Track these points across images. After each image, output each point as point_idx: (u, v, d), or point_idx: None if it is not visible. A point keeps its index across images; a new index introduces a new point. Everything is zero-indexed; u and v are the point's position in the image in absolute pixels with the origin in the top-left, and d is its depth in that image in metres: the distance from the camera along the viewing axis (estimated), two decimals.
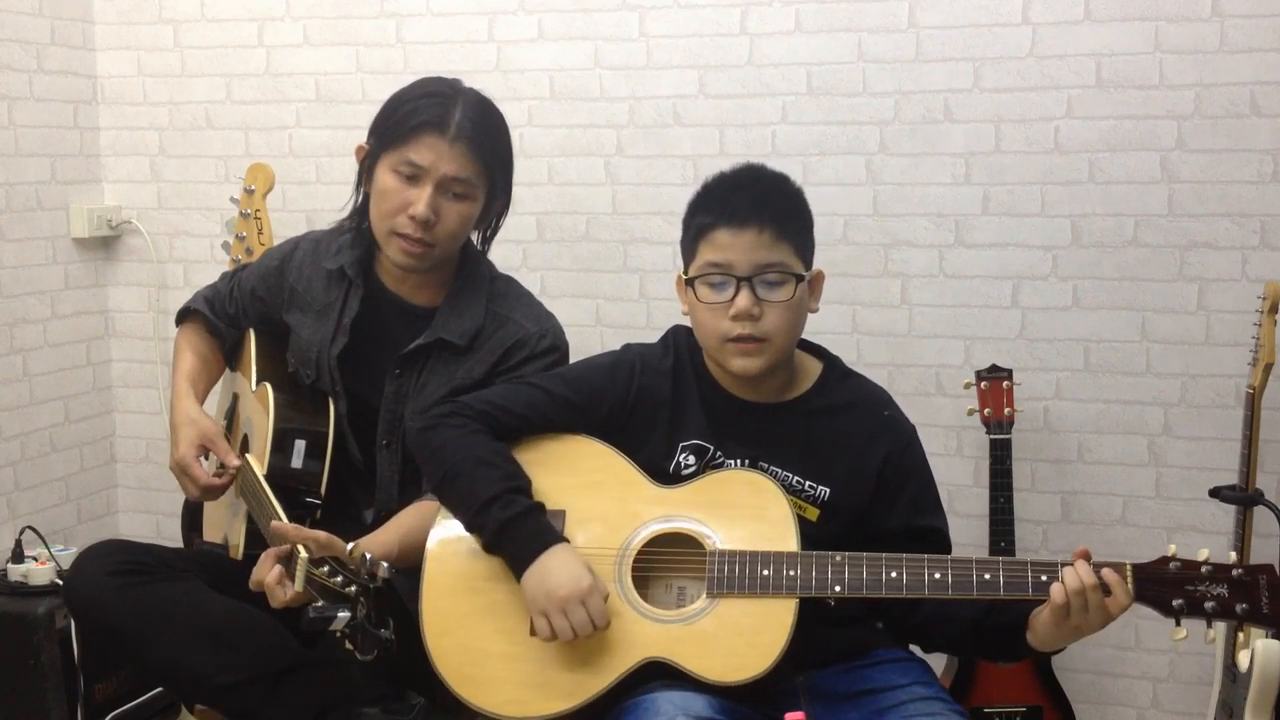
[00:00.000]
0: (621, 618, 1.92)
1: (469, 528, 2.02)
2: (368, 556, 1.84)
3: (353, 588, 1.81)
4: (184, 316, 2.62)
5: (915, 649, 2.12)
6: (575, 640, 1.89)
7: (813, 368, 2.15)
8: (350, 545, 1.98)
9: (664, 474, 2.06)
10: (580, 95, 3.24)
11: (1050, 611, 1.82)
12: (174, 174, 3.57)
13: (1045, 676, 2.87)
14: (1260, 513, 2.67)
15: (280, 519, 2.05)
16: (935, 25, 2.99)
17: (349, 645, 1.81)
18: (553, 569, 1.90)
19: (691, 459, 2.06)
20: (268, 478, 2.22)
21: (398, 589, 1.99)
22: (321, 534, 1.94)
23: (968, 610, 1.94)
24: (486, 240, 2.45)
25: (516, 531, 1.95)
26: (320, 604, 1.82)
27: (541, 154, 3.26)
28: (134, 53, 3.56)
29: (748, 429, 2.08)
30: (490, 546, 1.98)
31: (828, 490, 2.04)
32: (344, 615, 1.78)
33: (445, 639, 1.96)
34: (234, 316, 2.57)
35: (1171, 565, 1.81)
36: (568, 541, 1.96)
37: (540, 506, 2.00)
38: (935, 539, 2.08)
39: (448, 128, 2.24)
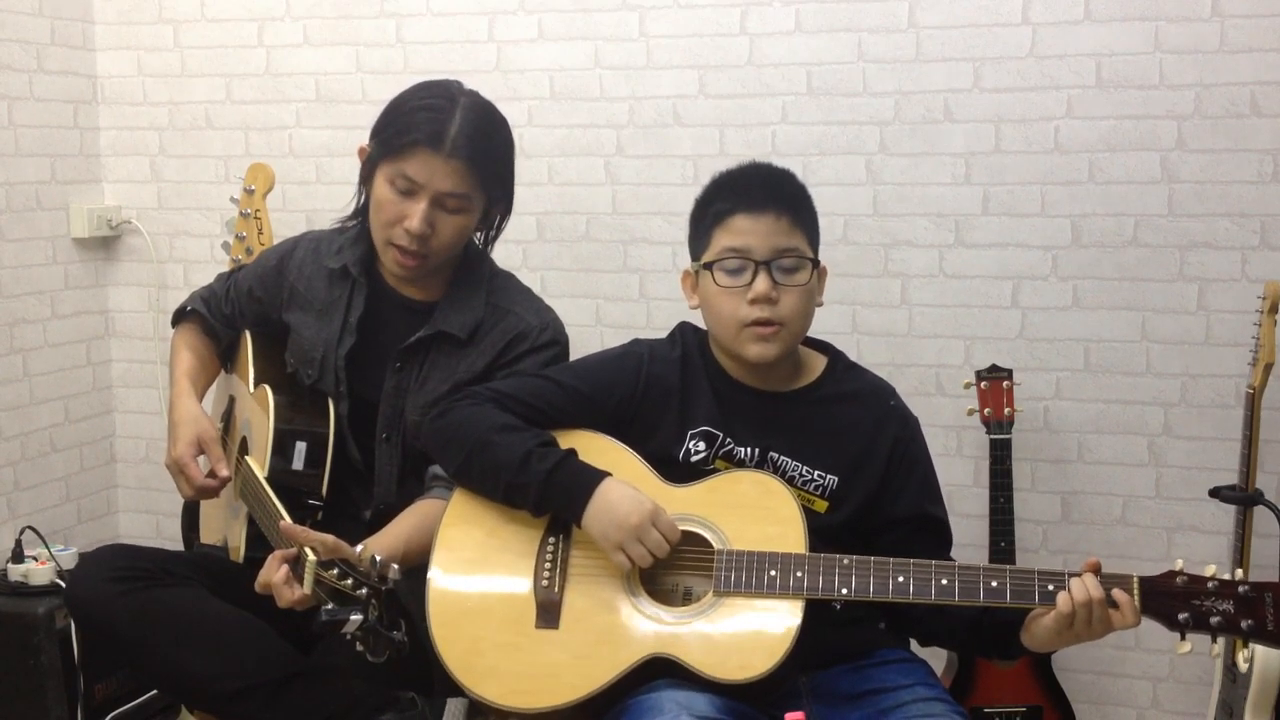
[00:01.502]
0: (627, 614, 1.93)
1: (509, 492, 2.02)
2: (377, 558, 1.83)
3: (363, 590, 1.80)
4: (180, 317, 2.61)
5: (916, 649, 2.13)
6: (584, 630, 1.90)
7: (818, 361, 2.17)
8: (359, 547, 1.98)
9: (674, 461, 2.06)
10: (580, 95, 3.24)
11: (1054, 619, 1.82)
12: (174, 174, 3.57)
13: (1045, 676, 2.87)
14: (1260, 513, 2.68)
15: (286, 519, 2.05)
16: (935, 25, 3.00)
17: (360, 647, 1.81)
18: (613, 502, 1.93)
19: (701, 445, 2.07)
20: (268, 479, 2.22)
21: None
22: (329, 537, 1.94)
23: (965, 609, 1.94)
24: (489, 242, 2.45)
25: (563, 478, 1.97)
26: (331, 606, 1.82)
27: (541, 154, 3.26)
28: (134, 53, 3.56)
29: (757, 416, 2.09)
30: (540, 502, 1.99)
31: (836, 479, 2.05)
32: (357, 618, 1.78)
33: (450, 628, 1.96)
34: (230, 317, 2.56)
35: (1178, 579, 1.81)
36: (611, 474, 1.98)
37: (573, 452, 2.02)
38: (938, 529, 2.10)
39: (443, 143, 2.21)
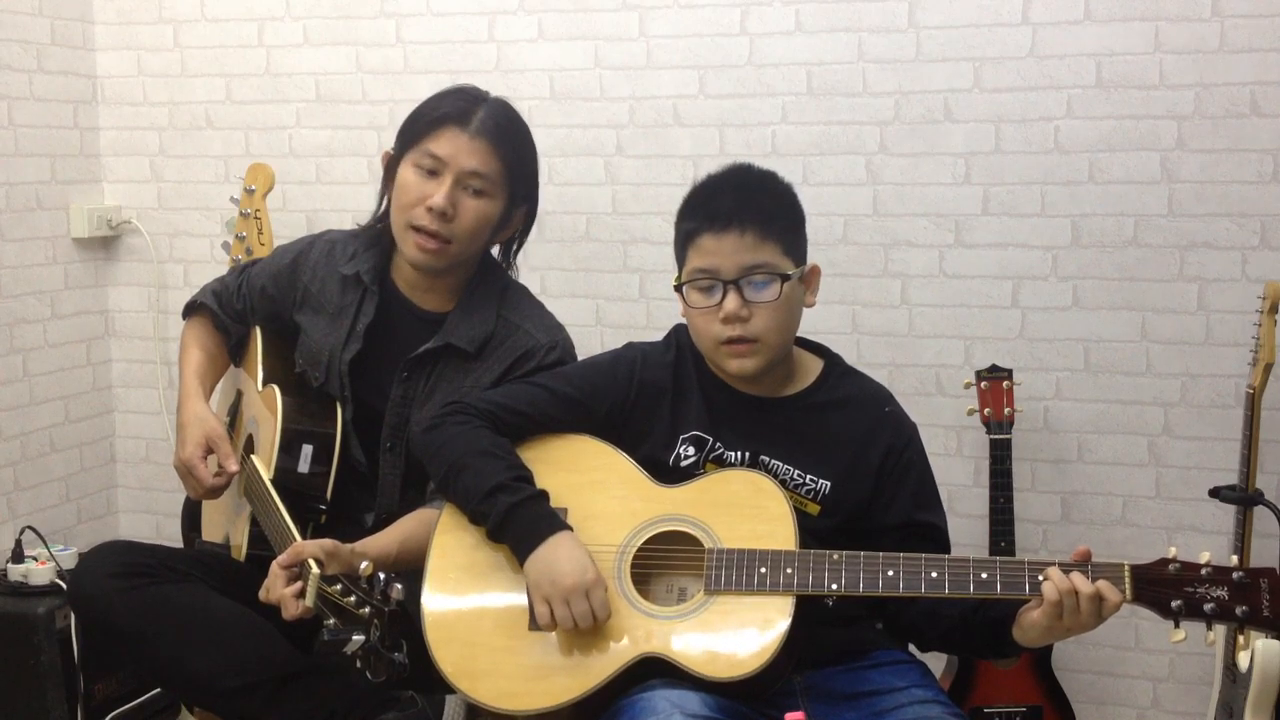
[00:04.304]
0: (619, 614, 1.93)
1: (474, 517, 2.02)
2: (380, 577, 1.83)
3: (366, 609, 1.81)
4: (191, 311, 2.61)
5: (914, 649, 2.12)
6: (574, 631, 1.89)
7: (813, 365, 2.16)
8: (349, 546, 1.98)
9: (663, 465, 2.06)
10: (580, 95, 3.24)
11: (1044, 612, 1.81)
12: (174, 174, 3.57)
13: (1045, 676, 2.87)
14: (1260, 513, 2.67)
15: (294, 536, 2.04)
16: (935, 25, 2.99)
17: (360, 665, 1.81)
18: (558, 557, 1.91)
19: (691, 450, 2.07)
20: (274, 481, 2.22)
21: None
22: (328, 542, 1.95)
23: (955, 608, 1.94)
24: (508, 254, 2.44)
25: (522, 517, 1.96)
26: (332, 622, 1.82)
27: (541, 154, 3.20)
28: (134, 53, 3.56)
29: (748, 422, 2.08)
30: (495, 532, 1.99)
31: (828, 484, 2.05)
32: (358, 639, 1.78)
33: (444, 630, 1.96)
34: (241, 312, 2.55)
35: (1171, 567, 1.80)
36: (572, 530, 1.96)
37: (544, 494, 2.01)
38: (934, 536, 2.08)
39: (469, 122, 2.25)
